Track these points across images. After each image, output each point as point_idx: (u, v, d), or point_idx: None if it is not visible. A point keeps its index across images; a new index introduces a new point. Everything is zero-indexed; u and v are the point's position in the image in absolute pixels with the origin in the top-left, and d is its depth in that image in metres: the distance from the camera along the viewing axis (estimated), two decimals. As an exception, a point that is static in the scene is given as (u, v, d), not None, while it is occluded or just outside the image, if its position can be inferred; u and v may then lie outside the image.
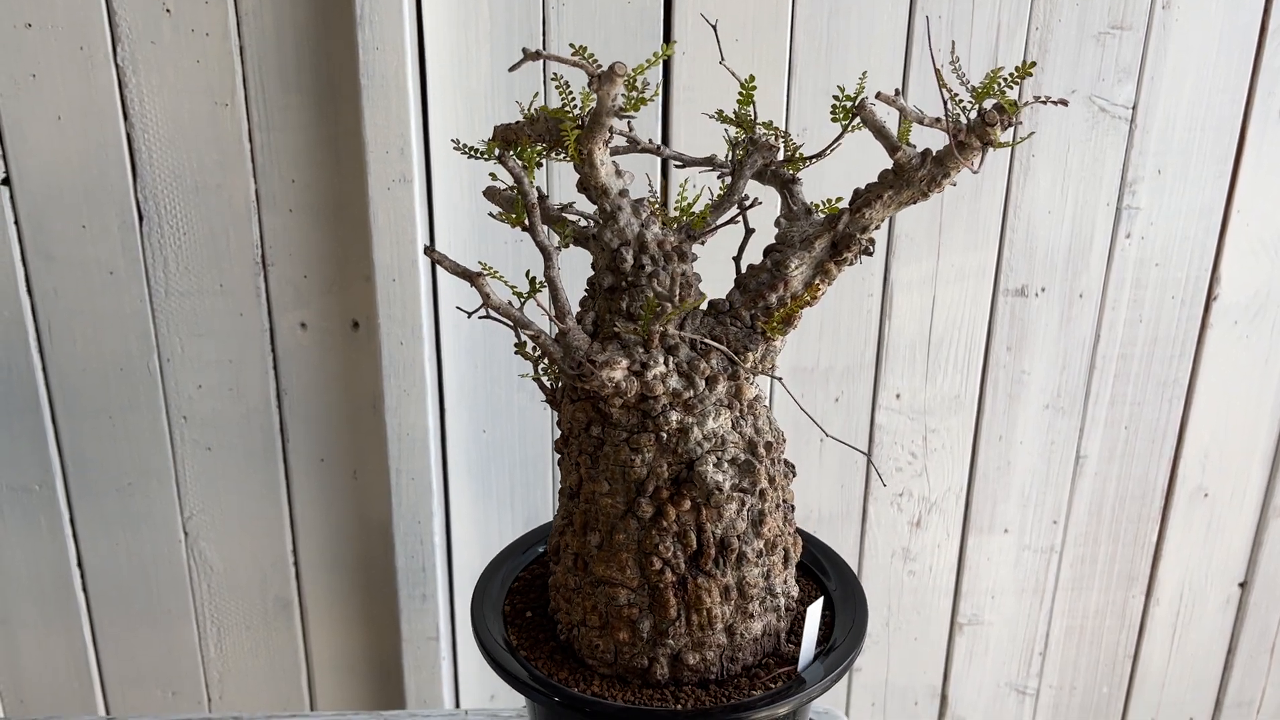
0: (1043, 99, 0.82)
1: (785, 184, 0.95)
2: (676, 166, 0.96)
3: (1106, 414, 1.64)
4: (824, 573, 1.13)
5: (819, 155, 0.95)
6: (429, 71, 1.38)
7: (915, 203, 0.91)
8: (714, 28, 1.20)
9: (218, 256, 1.46)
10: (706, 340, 0.92)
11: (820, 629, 1.04)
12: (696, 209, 0.96)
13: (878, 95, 0.87)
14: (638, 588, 0.96)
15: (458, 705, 1.69)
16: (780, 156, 0.95)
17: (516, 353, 0.97)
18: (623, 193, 0.93)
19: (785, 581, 1.02)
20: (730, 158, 0.96)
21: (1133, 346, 1.61)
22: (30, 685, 1.68)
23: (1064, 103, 0.80)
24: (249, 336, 1.50)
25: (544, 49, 1.39)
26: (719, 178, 0.95)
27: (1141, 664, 1.82)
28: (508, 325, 0.92)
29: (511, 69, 0.91)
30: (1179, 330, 1.61)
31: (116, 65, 1.37)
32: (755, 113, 0.94)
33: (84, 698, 1.69)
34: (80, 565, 1.61)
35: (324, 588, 1.64)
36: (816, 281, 0.94)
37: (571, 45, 0.90)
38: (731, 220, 0.98)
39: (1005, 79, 0.84)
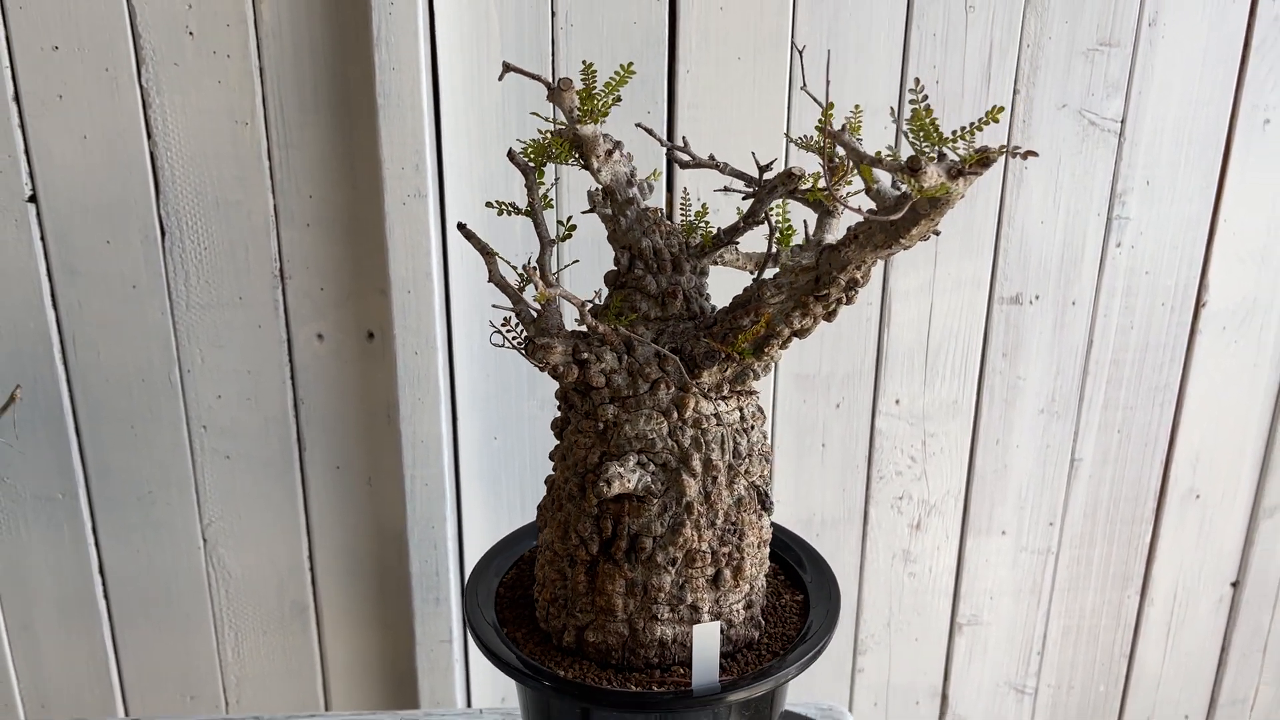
0: (1007, 150, 0.75)
1: (825, 213, 0.95)
2: (746, 186, 0.97)
3: (1100, 418, 1.69)
4: (800, 566, 1.16)
5: (829, 188, 0.94)
6: (442, 90, 1.43)
7: (890, 248, 0.84)
8: (800, 52, 1.23)
9: (237, 270, 1.50)
10: (657, 347, 0.96)
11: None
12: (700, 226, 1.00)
13: (818, 128, 0.81)
14: (561, 556, 1.02)
15: (469, 706, 1.73)
16: (804, 186, 0.95)
17: (503, 324, 1.00)
18: (630, 200, 0.97)
19: (716, 602, 1.02)
20: (759, 181, 0.98)
21: (1125, 352, 1.66)
22: (52, 690, 1.71)
23: (1032, 154, 0.75)
24: (267, 348, 1.54)
25: (554, 68, 1.44)
26: (744, 199, 0.97)
27: (1137, 663, 1.86)
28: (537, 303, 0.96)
29: (499, 78, 0.98)
30: (1169, 336, 1.65)
31: (141, 86, 1.41)
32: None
33: (104, 702, 1.72)
34: (102, 572, 1.65)
35: (339, 592, 1.68)
36: (792, 314, 0.92)
37: (583, 62, 0.95)
38: (732, 240, 1.02)
39: (970, 126, 0.76)
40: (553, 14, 1.42)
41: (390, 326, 1.49)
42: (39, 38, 1.39)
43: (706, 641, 0.98)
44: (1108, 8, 1.47)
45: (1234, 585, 1.84)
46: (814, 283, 0.91)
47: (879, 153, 0.79)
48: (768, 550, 1.08)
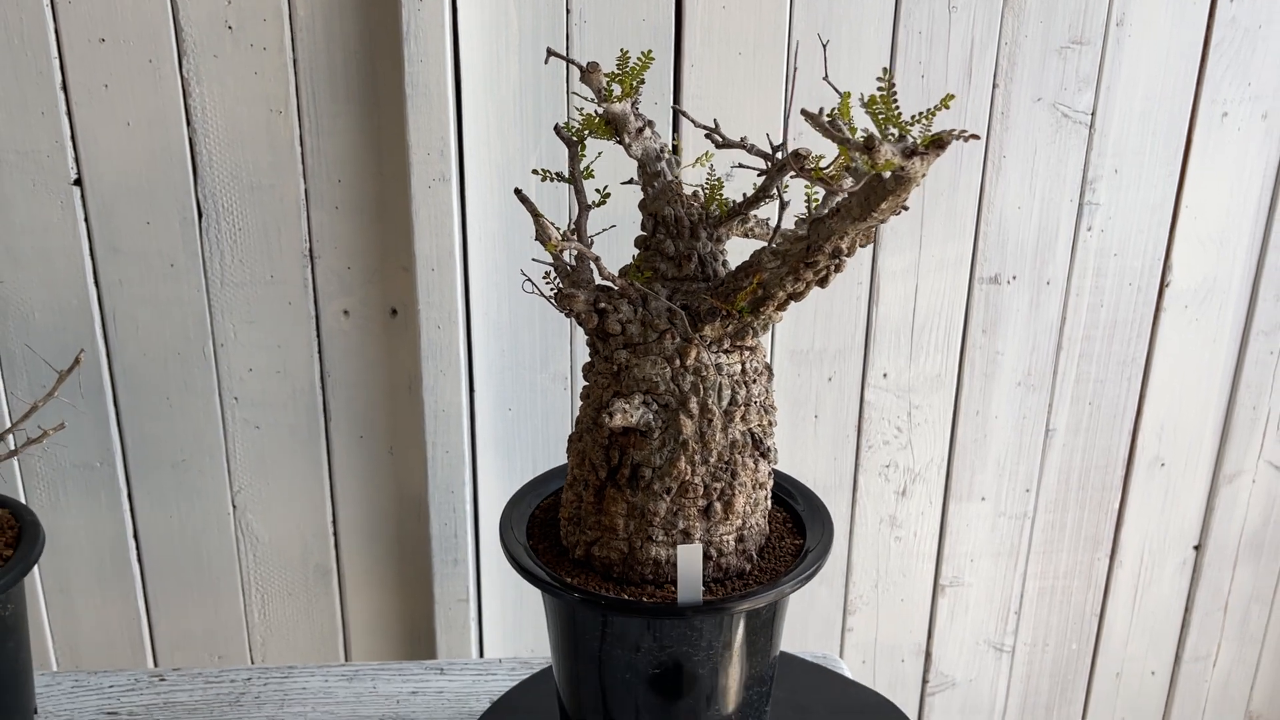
0: (956, 134, 0.83)
1: (829, 191, 1.04)
2: (766, 162, 1.06)
3: (1072, 391, 1.81)
4: (792, 498, 1.27)
5: (830, 169, 1.03)
6: (464, 81, 1.53)
7: (865, 220, 0.92)
8: (825, 46, 1.33)
9: (269, 250, 1.60)
10: (668, 302, 1.06)
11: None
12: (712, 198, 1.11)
13: (803, 112, 0.90)
14: (578, 480, 1.13)
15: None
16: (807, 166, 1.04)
17: (544, 276, 1.09)
18: (657, 173, 1.08)
19: (707, 531, 1.11)
20: (772, 159, 1.08)
21: (1095, 329, 1.78)
22: (86, 650, 1.80)
23: (974, 137, 0.83)
24: (296, 323, 1.64)
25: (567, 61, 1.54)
26: (758, 175, 1.07)
27: (1107, 622, 1.99)
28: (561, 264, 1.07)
29: (545, 61, 1.11)
30: (1136, 314, 1.78)
31: (182, 76, 1.51)
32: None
33: (136, 662, 1.81)
34: (136, 537, 1.75)
35: (361, 555, 1.78)
36: (786, 278, 1.01)
37: (621, 50, 1.06)
38: (743, 213, 1.13)
39: (926, 111, 0.84)
40: (567, 11, 1.53)
41: (414, 303, 1.59)
42: (87, 30, 1.48)
43: (689, 560, 1.08)
44: (1079, 8, 1.59)
45: (1196, 548, 1.97)
46: (805, 250, 1.01)
47: (875, 134, 0.89)
48: (765, 494, 1.18)
